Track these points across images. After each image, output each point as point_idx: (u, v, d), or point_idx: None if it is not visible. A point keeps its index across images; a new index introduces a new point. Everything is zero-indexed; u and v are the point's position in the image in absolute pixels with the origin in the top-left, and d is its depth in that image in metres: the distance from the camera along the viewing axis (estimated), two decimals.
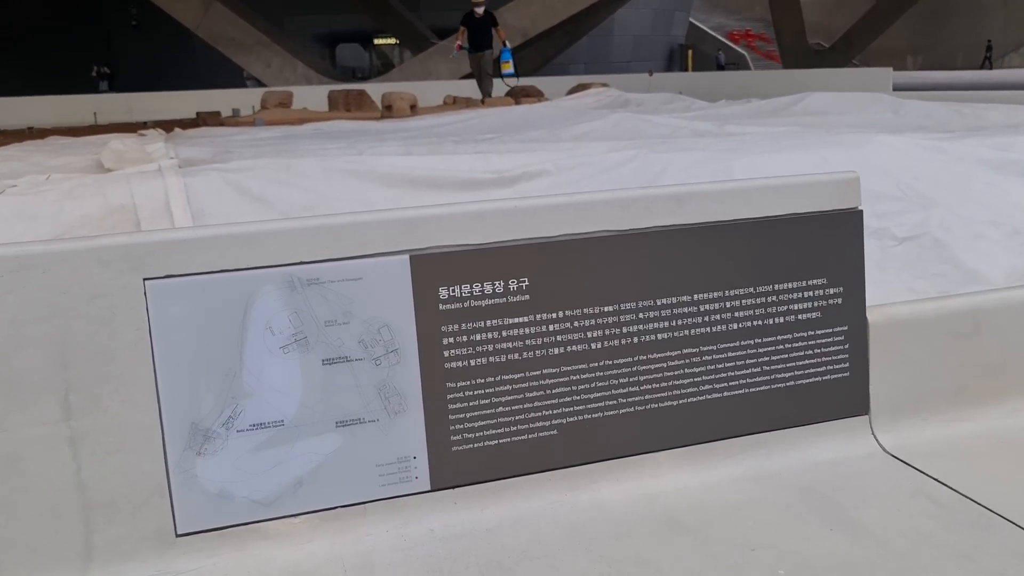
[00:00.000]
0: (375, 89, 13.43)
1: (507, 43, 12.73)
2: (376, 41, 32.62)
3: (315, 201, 3.75)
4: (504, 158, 4.07)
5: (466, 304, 1.77)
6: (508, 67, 12.64)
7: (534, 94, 13.48)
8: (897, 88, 15.47)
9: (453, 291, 1.76)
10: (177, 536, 1.66)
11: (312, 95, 14.66)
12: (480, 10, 12.35)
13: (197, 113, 12.84)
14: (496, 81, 12.79)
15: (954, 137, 4.52)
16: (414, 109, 11.45)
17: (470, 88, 15.91)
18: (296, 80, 21.00)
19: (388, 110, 11.48)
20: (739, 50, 34.43)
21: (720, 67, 30.54)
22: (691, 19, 34.62)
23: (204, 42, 22.78)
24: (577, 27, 24.84)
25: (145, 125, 10.98)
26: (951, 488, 1.86)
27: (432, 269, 1.74)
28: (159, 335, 1.61)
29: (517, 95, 13.43)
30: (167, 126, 9.90)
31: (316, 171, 4.00)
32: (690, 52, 32.11)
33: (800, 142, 4.18)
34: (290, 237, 1.68)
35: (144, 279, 1.60)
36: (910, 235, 3.69)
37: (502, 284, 1.78)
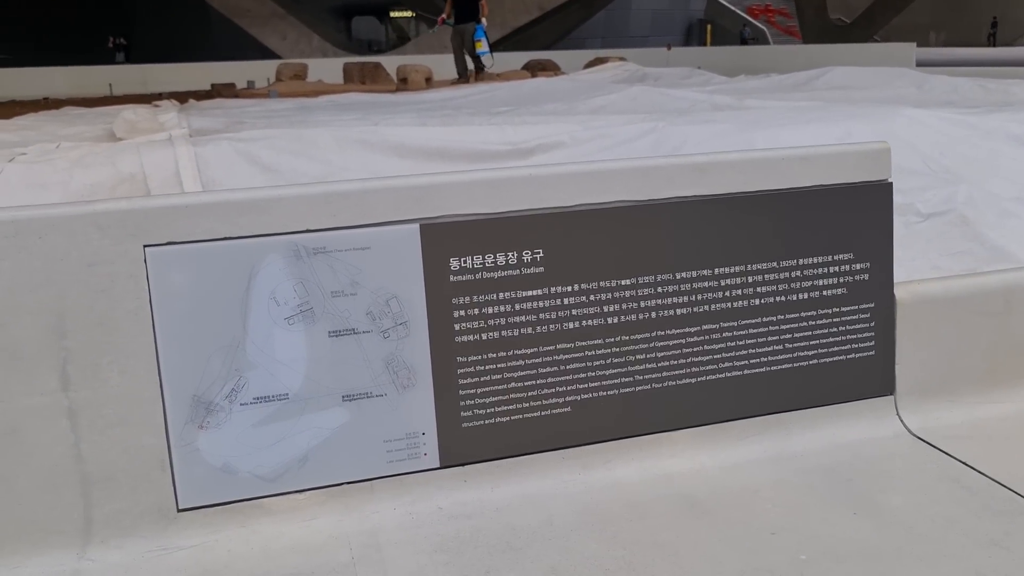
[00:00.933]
0: (391, 62, 13.32)
1: (484, 20, 11.92)
2: (392, 14, 32.38)
3: (326, 171, 3.68)
4: (519, 129, 3.98)
5: (478, 275, 1.70)
6: (481, 45, 11.82)
7: (551, 68, 13.34)
8: (920, 64, 15.21)
9: (464, 262, 1.69)
10: (179, 511, 1.61)
11: (327, 67, 14.56)
12: None
13: (212, 85, 12.79)
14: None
15: (982, 112, 4.40)
16: (429, 82, 11.34)
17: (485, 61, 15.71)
18: (311, 53, 20.91)
19: (403, 83, 11.39)
20: (759, 25, 33.99)
21: (744, 41, 30.08)
22: None
23: (220, 13, 22.68)
24: (595, 1, 24.58)
25: (160, 96, 10.93)
26: (979, 472, 1.79)
27: (443, 239, 1.68)
28: (160, 304, 1.56)
29: (533, 69, 13.27)
30: (181, 98, 9.84)
31: (328, 141, 3.93)
32: (709, 27, 31.73)
33: (824, 115, 4.08)
34: (296, 204, 1.61)
35: (144, 246, 1.55)
36: (935, 211, 3.59)
37: (515, 255, 1.72)
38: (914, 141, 3.88)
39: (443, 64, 12.99)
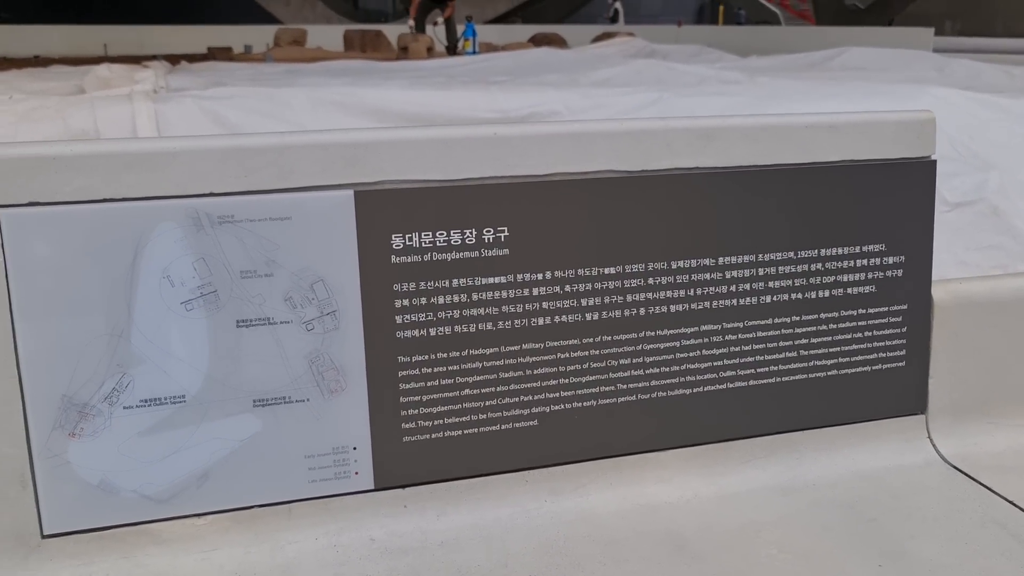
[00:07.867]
0: (395, 31, 12.96)
1: (471, 17, 11.82)
2: None
3: None
4: (511, 96, 3.66)
5: (426, 257, 1.38)
6: (469, 45, 11.73)
7: (556, 41, 12.93)
8: (938, 51, 14.74)
9: (410, 239, 1.37)
10: (43, 537, 1.30)
11: (328, 35, 14.19)
12: None
13: (208, 48, 12.42)
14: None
15: (1013, 94, 4.06)
16: (431, 52, 10.96)
17: (490, 33, 15.38)
18: (315, 19, 20.51)
19: (404, 52, 11.00)
20: (771, 8, 33.41)
21: (739, 23, 29.31)
22: None
23: None
24: None
25: (154, 58, 10.57)
26: None
27: (383, 210, 1.36)
28: (19, 281, 1.24)
29: (539, 42, 12.87)
30: (175, 60, 9.49)
31: (302, 102, 3.60)
32: (721, 7, 31.17)
33: (842, 90, 3.75)
34: (198, 160, 1.29)
35: None
36: (964, 200, 3.26)
37: (474, 233, 1.40)
38: (941, 123, 3.54)
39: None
